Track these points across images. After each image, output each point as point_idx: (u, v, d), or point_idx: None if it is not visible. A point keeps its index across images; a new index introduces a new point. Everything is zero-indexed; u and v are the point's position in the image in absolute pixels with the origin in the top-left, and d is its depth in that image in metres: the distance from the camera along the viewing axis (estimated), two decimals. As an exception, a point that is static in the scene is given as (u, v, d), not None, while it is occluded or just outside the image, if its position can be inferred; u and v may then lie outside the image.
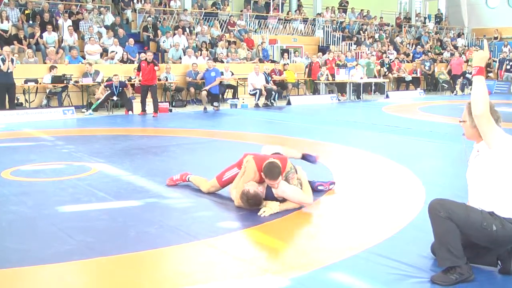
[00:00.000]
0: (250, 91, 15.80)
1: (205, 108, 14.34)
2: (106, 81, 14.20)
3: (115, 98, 13.81)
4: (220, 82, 16.81)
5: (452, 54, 24.60)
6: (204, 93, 14.50)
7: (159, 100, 14.19)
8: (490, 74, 24.55)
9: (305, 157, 5.92)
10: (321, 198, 5.22)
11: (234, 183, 5.09)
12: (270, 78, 16.56)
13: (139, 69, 13.43)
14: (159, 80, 14.09)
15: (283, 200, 4.86)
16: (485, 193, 3.29)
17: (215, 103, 14.56)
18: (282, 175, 4.79)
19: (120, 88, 13.76)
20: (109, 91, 13.55)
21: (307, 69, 19.37)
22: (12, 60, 12.44)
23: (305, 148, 6.76)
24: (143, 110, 13.51)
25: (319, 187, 5.52)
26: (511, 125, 4.90)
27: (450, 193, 5.42)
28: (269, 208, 4.70)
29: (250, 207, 4.72)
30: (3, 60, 12.23)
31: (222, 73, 15.89)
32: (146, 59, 13.29)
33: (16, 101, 13.12)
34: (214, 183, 5.41)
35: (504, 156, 3.20)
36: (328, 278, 3.35)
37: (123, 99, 13.95)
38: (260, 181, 4.88)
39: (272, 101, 16.08)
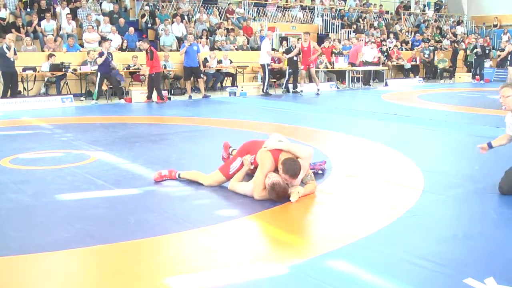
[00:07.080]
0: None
1: (190, 97, 14.54)
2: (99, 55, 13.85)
3: (112, 71, 13.71)
4: (219, 70, 16.80)
5: (452, 42, 24.48)
6: (201, 81, 14.56)
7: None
8: (490, 62, 24.47)
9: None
10: (320, 186, 5.22)
11: (254, 178, 4.92)
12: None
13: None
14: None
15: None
16: None
17: (202, 75, 14.86)
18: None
19: (111, 59, 13.63)
20: (104, 60, 13.21)
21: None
22: (14, 50, 12.41)
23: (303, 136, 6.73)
24: (149, 97, 13.71)
25: (313, 171, 5.47)
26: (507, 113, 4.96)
27: (449, 180, 5.44)
28: (296, 193, 4.72)
29: (279, 199, 4.66)
30: (8, 48, 12.18)
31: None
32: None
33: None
34: (219, 177, 5.20)
35: None
36: (327, 266, 3.36)
37: (114, 85, 13.89)
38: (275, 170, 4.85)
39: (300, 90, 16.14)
